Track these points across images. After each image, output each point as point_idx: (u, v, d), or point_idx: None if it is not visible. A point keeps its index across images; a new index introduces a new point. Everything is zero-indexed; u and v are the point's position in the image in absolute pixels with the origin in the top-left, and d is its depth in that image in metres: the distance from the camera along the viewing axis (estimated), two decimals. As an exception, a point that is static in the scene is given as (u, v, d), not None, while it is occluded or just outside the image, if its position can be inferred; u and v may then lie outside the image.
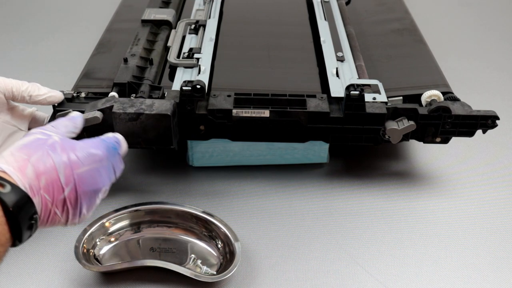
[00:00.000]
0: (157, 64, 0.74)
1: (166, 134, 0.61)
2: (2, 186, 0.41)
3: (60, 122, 0.55)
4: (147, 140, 0.62)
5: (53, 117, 0.63)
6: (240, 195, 0.71)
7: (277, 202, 0.70)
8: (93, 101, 0.64)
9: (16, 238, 0.42)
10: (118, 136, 0.56)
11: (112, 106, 0.60)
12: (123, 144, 0.56)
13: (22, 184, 0.43)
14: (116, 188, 0.71)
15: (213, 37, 0.80)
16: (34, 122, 0.65)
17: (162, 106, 0.60)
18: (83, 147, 0.49)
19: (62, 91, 0.66)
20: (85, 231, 0.60)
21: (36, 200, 0.44)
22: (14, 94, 0.58)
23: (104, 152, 0.51)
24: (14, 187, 0.42)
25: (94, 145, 0.51)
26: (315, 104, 0.65)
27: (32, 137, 0.48)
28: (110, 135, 0.55)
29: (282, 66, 0.77)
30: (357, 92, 0.62)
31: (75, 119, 0.57)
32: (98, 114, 0.60)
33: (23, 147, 0.46)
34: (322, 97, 0.66)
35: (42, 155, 0.46)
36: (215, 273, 0.59)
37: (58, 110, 0.63)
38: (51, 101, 0.62)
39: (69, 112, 0.61)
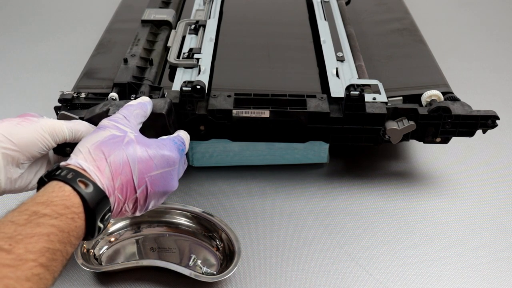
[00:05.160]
0: (157, 65, 0.74)
1: (163, 132, 0.61)
2: (86, 185, 0.43)
3: (131, 111, 0.54)
4: None
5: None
6: (240, 195, 0.71)
7: (277, 202, 0.70)
8: (93, 104, 0.64)
9: (89, 233, 0.43)
10: (183, 135, 0.57)
11: (108, 110, 0.60)
12: (187, 144, 0.57)
13: (101, 184, 0.44)
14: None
15: (213, 37, 0.80)
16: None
17: (157, 105, 0.60)
18: (157, 149, 0.50)
19: (62, 91, 0.66)
20: (85, 231, 0.60)
21: (111, 199, 0.45)
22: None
23: (177, 155, 0.52)
24: (96, 187, 0.43)
25: (168, 148, 0.51)
26: (315, 104, 0.65)
27: (107, 132, 0.48)
28: (176, 134, 0.56)
29: (282, 66, 0.77)
30: (357, 92, 0.62)
31: (145, 106, 0.56)
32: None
33: (100, 144, 0.47)
34: (322, 97, 0.66)
35: (118, 156, 0.46)
36: (215, 273, 0.59)
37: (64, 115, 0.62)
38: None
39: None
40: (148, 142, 0.50)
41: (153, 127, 0.61)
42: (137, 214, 0.50)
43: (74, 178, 0.43)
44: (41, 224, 0.38)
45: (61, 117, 0.61)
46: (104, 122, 0.51)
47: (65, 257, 0.40)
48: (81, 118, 0.60)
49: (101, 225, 0.44)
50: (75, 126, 0.54)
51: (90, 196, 0.42)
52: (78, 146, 0.47)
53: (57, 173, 0.43)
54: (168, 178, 0.50)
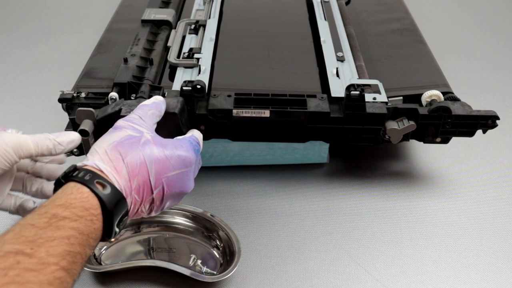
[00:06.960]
0: (157, 64, 0.74)
1: (176, 131, 0.61)
2: (103, 186, 0.42)
3: (146, 111, 0.53)
4: None
5: (74, 124, 0.61)
6: (240, 195, 0.71)
7: (277, 202, 0.70)
8: (93, 104, 0.64)
9: (106, 235, 0.43)
10: (197, 135, 0.57)
11: (120, 110, 0.60)
12: (201, 144, 0.57)
13: (119, 185, 0.44)
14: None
15: (213, 37, 0.80)
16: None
17: (169, 104, 0.60)
18: (174, 150, 0.49)
19: (62, 91, 0.66)
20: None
21: (128, 200, 0.45)
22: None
23: (193, 156, 0.51)
24: (113, 188, 0.43)
25: (185, 148, 0.51)
26: (315, 104, 0.65)
27: (123, 133, 0.48)
28: (190, 134, 0.56)
29: (282, 66, 0.77)
30: (358, 92, 0.62)
31: (159, 106, 0.56)
32: (87, 127, 0.58)
33: (117, 145, 0.46)
34: (322, 97, 0.66)
35: (135, 156, 0.46)
36: (215, 273, 0.59)
37: (77, 124, 0.61)
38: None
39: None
40: (165, 143, 0.49)
41: (166, 127, 0.60)
42: (153, 214, 0.50)
43: (92, 179, 0.42)
44: (61, 227, 0.38)
45: (78, 114, 0.60)
46: (120, 122, 0.50)
47: (84, 259, 0.40)
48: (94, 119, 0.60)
49: (117, 229, 0.44)
50: (41, 141, 0.49)
51: (108, 197, 0.42)
52: (94, 146, 0.46)
53: (74, 174, 0.43)
54: (185, 179, 0.50)
